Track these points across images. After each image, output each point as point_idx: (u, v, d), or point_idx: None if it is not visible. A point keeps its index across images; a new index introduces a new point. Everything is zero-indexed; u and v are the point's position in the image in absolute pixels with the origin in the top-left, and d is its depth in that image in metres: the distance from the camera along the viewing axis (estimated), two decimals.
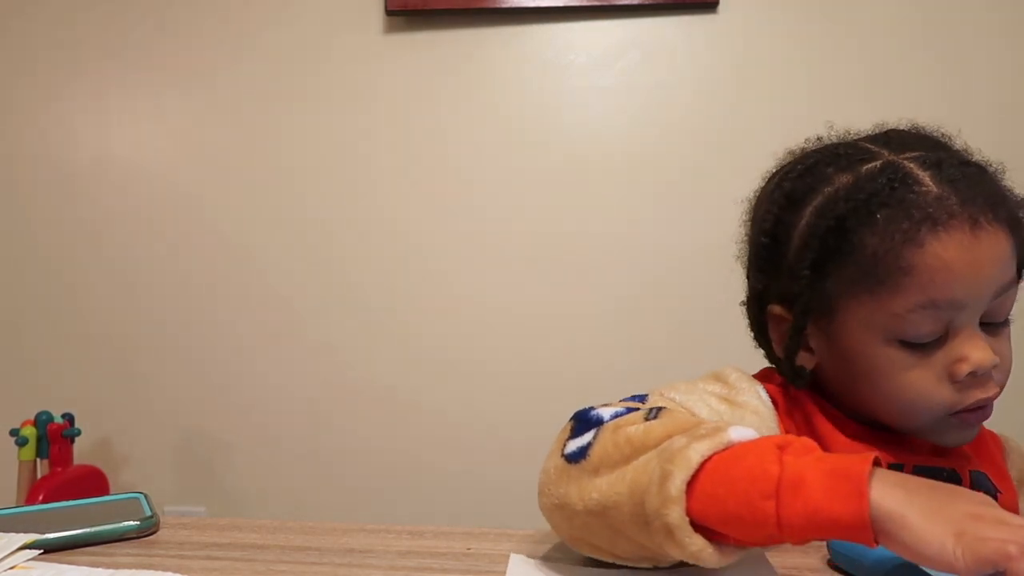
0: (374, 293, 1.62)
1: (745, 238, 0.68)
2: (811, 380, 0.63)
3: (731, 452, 0.42)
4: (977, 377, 0.55)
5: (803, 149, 0.66)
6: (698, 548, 0.41)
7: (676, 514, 0.41)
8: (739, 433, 0.43)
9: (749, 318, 0.68)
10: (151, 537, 0.58)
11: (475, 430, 1.59)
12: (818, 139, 0.66)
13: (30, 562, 0.53)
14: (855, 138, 0.64)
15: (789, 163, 0.65)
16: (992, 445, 0.68)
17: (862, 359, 0.58)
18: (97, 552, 0.55)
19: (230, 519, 0.63)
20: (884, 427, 0.61)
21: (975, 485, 0.60)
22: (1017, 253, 0.58)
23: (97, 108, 1.68)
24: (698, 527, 0.41)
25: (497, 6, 1.54)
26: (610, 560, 0.50)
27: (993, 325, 0.58)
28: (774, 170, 0.67)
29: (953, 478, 0.60)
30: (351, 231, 1.62)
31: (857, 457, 0.40)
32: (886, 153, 0.59)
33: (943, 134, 0.63)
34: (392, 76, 1.60)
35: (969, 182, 0.56)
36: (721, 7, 1.53)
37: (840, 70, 1.52)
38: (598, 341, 1.57)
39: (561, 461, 0.49)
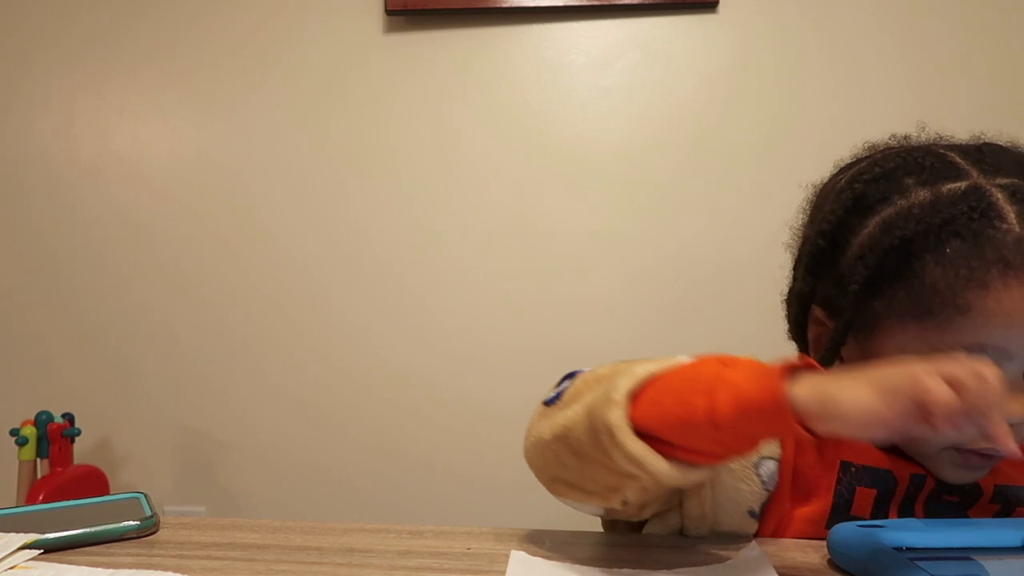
0: (372, 293, 1.62)
1: (800, 229, 0.64)
2: None
3: (675, 368, 0.46)
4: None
5: (887, 147, 0.61)
6: (640, 452, 0.43)
7: (616, 415, 0.44)
8: (690, 358, 0.46)
9: (788, 314, 0.65)
10: (151, 537, 0.58)
11: (475, 430, 1.59)
12: (905, 138, 0.62)
13: (30, 562, 0.53)
14: (945, 146, 0.59)
15: (867, 162, 0.59)
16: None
17: None
18: (97, 552, 0.55)
19: (230, 519, 0.63)
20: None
21: (998, 500, 0.58)
22: None
23: (97, 107, 1.68)
24: (643, 436, 0.44)
25: (497, 6, 1.54)
26: (584, 503, 0.53)
27: None
28: (848, 163, 0.62)
29: (975, 492, 0.58)
30: (350, 231, 1.62)
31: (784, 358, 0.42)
32: (975, 174, 0.54)
33: None
34: (392, 76, 1.60)
35: None
36: (721, 7, 1.53)
37: (840, 70, 1.51)
38: (599, 341, 1.56)
39: (541, 406, 0.54)
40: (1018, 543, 0.50)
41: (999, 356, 0.51)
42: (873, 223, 0.55)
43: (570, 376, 0.55)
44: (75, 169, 1.69)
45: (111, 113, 1.68)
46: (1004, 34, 1.49)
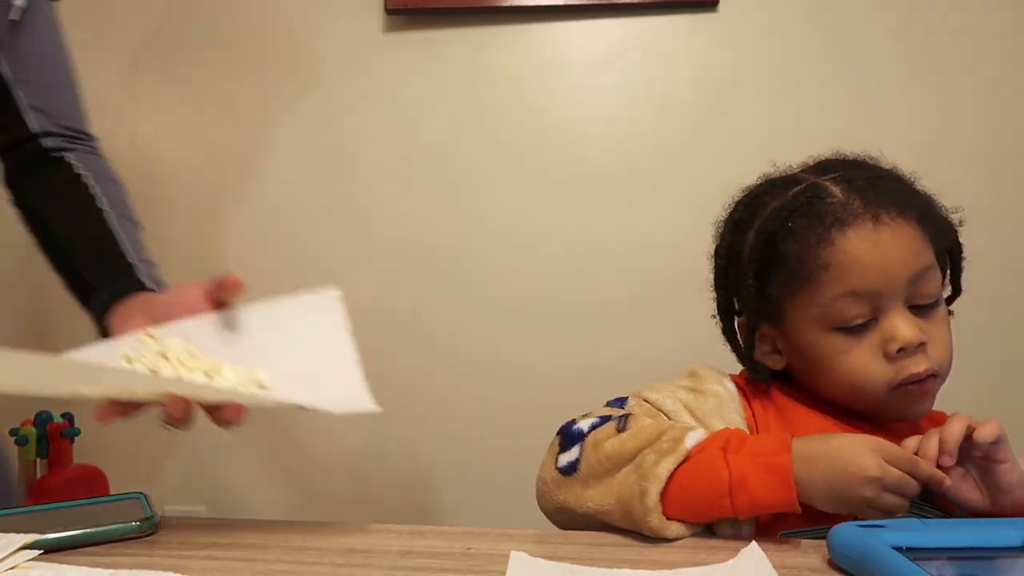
0: (367, 294, 1.61)
1: (712, 263, 0.78)
2: (790, 379, 0.72)
3: (690, 463, 0.57)
4: (908, 352, 0.63)
5: (753, 185, 0.75)
6: (675, 533, 0.57)
7: (656, 519, 0.56)
8: (693, 439, 0.58)
9: (722, 328, 0.77)
10: (151, 537, 0.58)
11: (475, 431, 1.59)
12: (764, 176, 0.75)
13: (30, 562, 0.53)
14: (797, 167, 0.74)
15: (741, 195, 0.75)
16: None
17: (810, 349, 0.67)
18: (97, 552, 0.55)
19: (230, 519, 0.63)
20: (859, 414, 0.68)
21: None
22: (931, 242, 0.66)
23: (97, 107, 1.67)
24: (671, 517, 0.57)
25: (497, 5, 1.54)
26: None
27: (923, 307, 0.65)
28: (729, 203, 0.76)
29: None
30: (349, 231, 1.62)
31: (777, 444, 0.57)
32: (811, 177, 0.69)
33: (869, 157, 0.72)
34: (392, 75, 1.60)
35: (875, 189, 0.66)
36: (721, 6, 1.52)
37: (840, 69, 1.51)
38: (597, 342, 1.56)
39: (556, 474, 0.63)
40: (1018, 543, 0.50)
41: (870, 294, 0.64)
42: (750, 236, 0.70)
43: (569, 435, 0.64)
44: None
45: (110, 112, 1.68)
46: (1003, 35, 1.49)
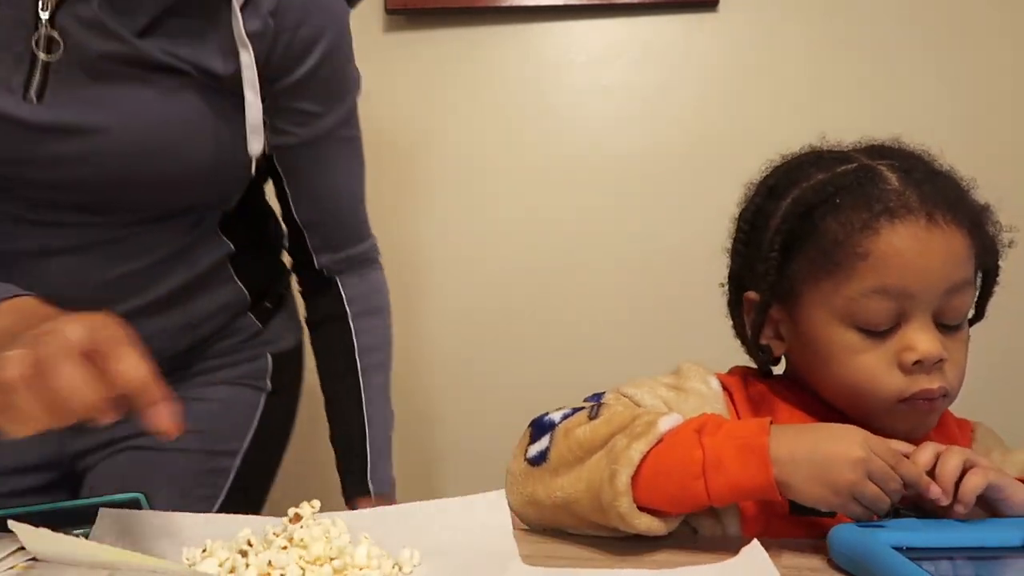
0: None
1: (733, 226, 0.73)
2: (785, 368, 0.70)
3: (663, 445, 0.54)
4: (924, 367, 0.59)
5: (796, 153, 0.71)
6: (646, 525, 0.53)
7: (625, 504, 0.53)
8: (667, 423, 0.55)
9: (728, 298, 0.73)
10: None
11: (474, 431, 1.59)
12: (810, 146, 0.70)
13: (30, 562, 0.53)
14: (844, 146, 0.69)
15: (780, 161, 0.70)
16: (958, 433, 0.69)
17: (820, 342, 0.63)
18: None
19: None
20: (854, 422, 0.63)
21: None
22: (976, 257, 0.62)
23: None
24: (643, 508, 0.53)
25: (497, 5, 1.54)
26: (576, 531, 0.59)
27: (948, 327, 0.61)
28: (766, 167, 0.72)
29: None
30: None
31: (756, 426, 0.54)
32: (864, 158, 0.64)
33: (927, 152, 0.67)
34: (392, 74, 1.60)
35: (933, 185, 0.61)
36: (721, 5, 1.52)
37: (840, 68, 1.51)
38: (595, 341, 1.56)
39: (524, 465, 0.60)
40: (1018, 543, 0.50)
41: (903, 296, 0.59)
42: (784, 205, 0.65)
43: (540, 426, 0.62)
44: None
45: None
46: (1005, 34, 1.49)
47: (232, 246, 0.84)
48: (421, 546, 0.53)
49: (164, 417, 0.48)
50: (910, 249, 0.59)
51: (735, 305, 0.71)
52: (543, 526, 0.60)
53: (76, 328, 0.48)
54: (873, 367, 0.60)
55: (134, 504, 0.62)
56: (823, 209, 0.61)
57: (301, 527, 0.52)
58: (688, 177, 1.54)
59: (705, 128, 1.54)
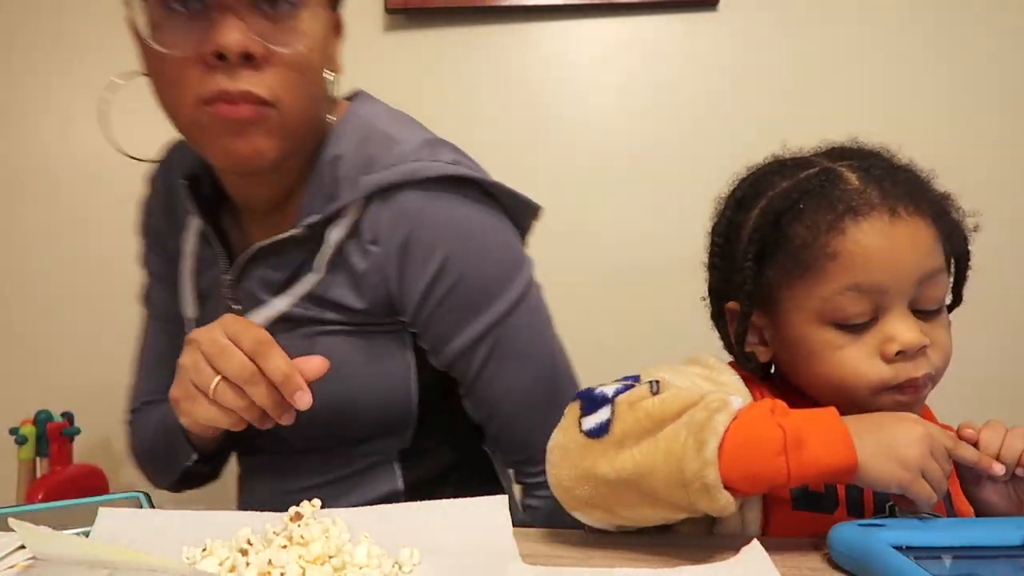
0: None
1: (708, 241, 0.76)
2: (775, 373, 0.71)
3: (739, 422, 0.53)
4: (907, 356, 0.60)
5: (760, 164, 0.72)
6: (725, 500, 0.51)
7: (712, 475, 0.51)
8: (738, 402, 0.54)
9: (711, 310, 0.75)
10: None
11: None
12: (773, 156, 0.72)
13: (30, 561, 0.53)
14: (806, 151, 0.71)
15: (745, 174, 0.72)
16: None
17: (802, 343, 0.64)
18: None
19: None
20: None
21: None
22: (943, 243, 0.63)
23: (94, 107, 1.68)
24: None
25: (497, 4, 1.54)
26: (614, 525, 0.58)
27: (926, 312, 0.62)
28: (733, 180, 0.73)
29: None
30: None
31: (826, 410, 0.54)
32: (825, 161, 0.66)
33: (885, 149, 0.69)
34: (392, 74, 1.59)
35: (893, 180, 0.63)
36: (721, 5, 1.52)
37: (840, 68, 1.51)
38: (595, 341, 1.56)
39: (581, 437, 0.56)
40: (1018, 543, 0.50)
41: (876, 291, 0.60)
42: (754, 215, 0.67)
43: (591, 398, 0.58)
44: (73, 167, 1.68)
45: (111, 112, 1.67)
46: (1005, 33, 1.49)
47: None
48: (421, 545, 0.53)
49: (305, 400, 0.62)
50: (876, 245, 0.60)
51: (718, 316, 0.74)
52: (592, 504, 0.57)
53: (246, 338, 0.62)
54: (855, 360, 0.61)
55: (134, 503, 0.62)
56: (790, 215, 0.63)
57: (301, 526, 0.52)
58: (688, 175, 1.53)
59: (705, 127, 1.54)
